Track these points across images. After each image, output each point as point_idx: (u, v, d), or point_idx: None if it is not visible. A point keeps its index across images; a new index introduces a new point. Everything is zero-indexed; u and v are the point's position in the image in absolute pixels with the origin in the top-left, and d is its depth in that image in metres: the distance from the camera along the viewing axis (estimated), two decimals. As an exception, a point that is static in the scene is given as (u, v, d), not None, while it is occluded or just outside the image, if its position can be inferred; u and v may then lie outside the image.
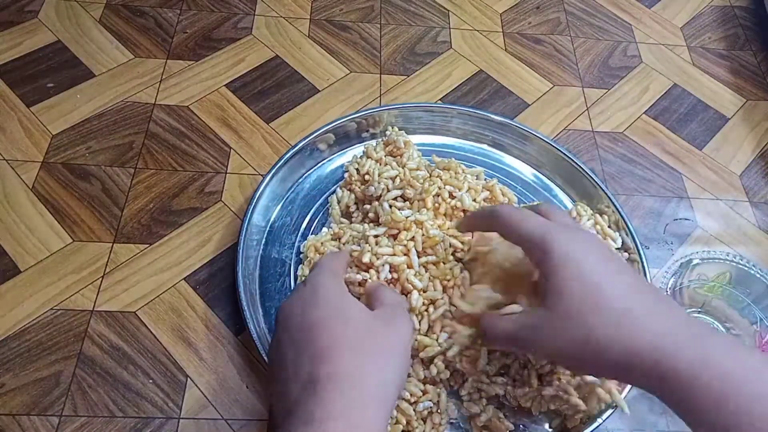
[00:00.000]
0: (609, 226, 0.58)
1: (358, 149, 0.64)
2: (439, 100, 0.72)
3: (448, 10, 0.83)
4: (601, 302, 0.31)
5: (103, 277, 0.56)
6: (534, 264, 0.35)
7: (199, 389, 0.51)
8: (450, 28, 0.80)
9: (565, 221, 0.37)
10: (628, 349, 0.30)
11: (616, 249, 0.56)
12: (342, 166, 0.63)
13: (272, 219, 0.59)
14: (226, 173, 0.63)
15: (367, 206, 0.56)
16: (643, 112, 0.74)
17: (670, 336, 0.30)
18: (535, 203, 0.42)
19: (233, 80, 0.71)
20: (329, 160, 0.64)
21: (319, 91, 0.71)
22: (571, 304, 0.32)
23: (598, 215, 0.58)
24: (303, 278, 0.55)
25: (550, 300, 0.32)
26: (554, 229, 0.34)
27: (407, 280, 0.47)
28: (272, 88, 0.71)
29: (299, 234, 0.58)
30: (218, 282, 0.56)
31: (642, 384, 0.31)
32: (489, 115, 0.66)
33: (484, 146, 0.67)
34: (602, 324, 0.31)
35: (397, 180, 0.56)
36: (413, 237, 0.49)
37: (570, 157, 0.63)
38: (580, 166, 0.62)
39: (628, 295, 0.32)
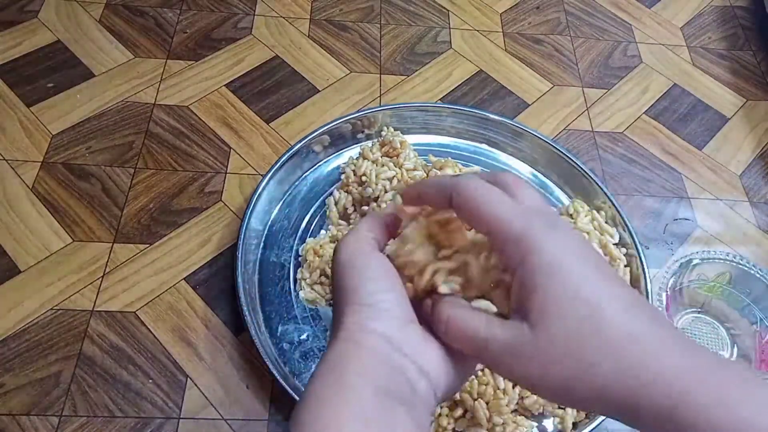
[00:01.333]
0: (606, 222, 0.58)
1: (353, 150, 0.64)
2: (439, 100, 0.72)
3: (448, 10, 0.83)
4: (602, 328, 0.25)
5: (103, 277, 0.56)
6: (504, 263, 0.28)
7: (199, 389, 0.51)
8: (450, 28, 0.80)
9: (540, 207, 0.29)
10: (635, 389, 0.25)
11: (614, 245, 0.56)
12: (338, 167, 0.63)
13: (270, 222, 0.59)
14: (226, 173, 0.64)
15: (365, 207, 0.56)
16: (643, 112, 0.74)
17: (686, 374, 0.25)
18: (495, 172, 0.31)
19: (233, 80, 0.71)
20: (325, 162, 0.64)
21: (319, 91, 0.71)
22: (563, 330, 0.25)
23: (595, 211, 0.58)
24: (303, 281, 0.55)
25: (535, 319, 0.26)
26: (536, 222, 0.26)
27: None
28: (272, 88, 0.71)
29: (297, 237, 0.58)
30: (218, 282, 0.56)
31: (645, 426, 0.25)
32: (483, 113, 0.66)
33: (480, 145, 0.67)
34: (604, 357, 0.25)
35: (395, 181, 0.56)
36: None
37: (565, 154, 0.63)
38: (576, 163, 0.62)
39: (630, 317, 0.26)
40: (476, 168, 0.59)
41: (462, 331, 0.28)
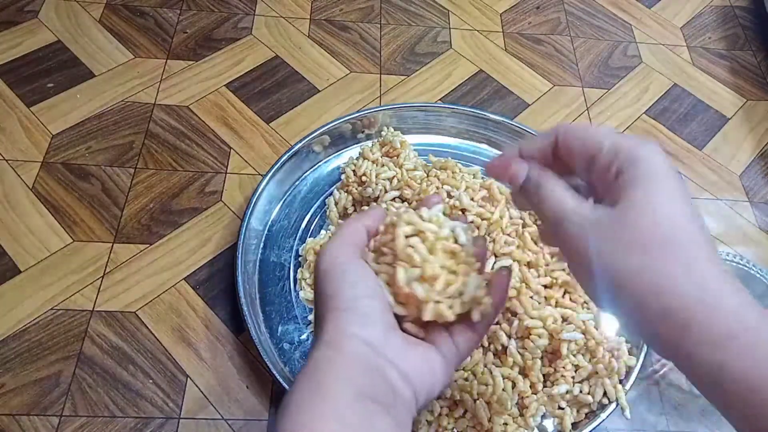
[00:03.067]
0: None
1: (353, 150, 0.64)
2: (439, 100, 0.72)
3: (448, 10, 0.83)
4: (680, 243, 0.25)
5: (103, 277, 0.56)
6: (612, 166, 0.28)
7: (199, 389, 0.51)
8: (450, 28, 0.80)
9: None
10: (692, 306, 0.25)
11: None
12: (338, 167, 0.63)
13: (270, 222, 0.59)
14: (226, 173, 0.64)
15: (365, 207, 0.56)
16: (643, 112, 0.74)
17: (746, 317, 0.25)
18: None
19: (233, 80, 0.71)
20: (325, 162, 0.64)
21: (319, 91, 0.71)
22: (650, 226, 0.26)
23: None
24: (303, 281, 0.55)
25: (626, 207, 0.26)
26: (647, 143, 0.28)
27: None
28: (272, 88, 0.71)
29: (297, 237, 0.58)
30: (218, 282, 0.56)
31: (678, 349, 0.26)
32: (483, 113, 0.66)
33: (480, 145, 0.67)
34: (674, 264, 0.25)
35: (395, 181, 0.56)
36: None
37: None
38: None
39: (711, 248, 0.26)
40: (476, 168, 0.59)
41: (552, 197, 0.29)
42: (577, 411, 0.49)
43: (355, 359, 0.28)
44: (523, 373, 0.48)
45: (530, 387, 0.48)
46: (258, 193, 0.57)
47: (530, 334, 0.48)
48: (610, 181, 0.28)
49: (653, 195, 0.26)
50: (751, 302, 0.25)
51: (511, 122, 0.66)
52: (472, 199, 0.53)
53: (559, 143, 0.30)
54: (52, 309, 0.54)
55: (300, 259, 0.57)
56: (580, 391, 0.48)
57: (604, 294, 0.28)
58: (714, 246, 0.27)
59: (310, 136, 0.61)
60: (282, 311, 0.54)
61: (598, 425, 0.48)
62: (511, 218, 0.54)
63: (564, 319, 0.49)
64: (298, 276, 0.55)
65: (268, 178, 0.58)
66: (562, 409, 0.49)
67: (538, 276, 0.51)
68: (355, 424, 0.26)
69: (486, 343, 0.49)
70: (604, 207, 0.28)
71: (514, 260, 0.51)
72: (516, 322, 0.48)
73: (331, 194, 0.61)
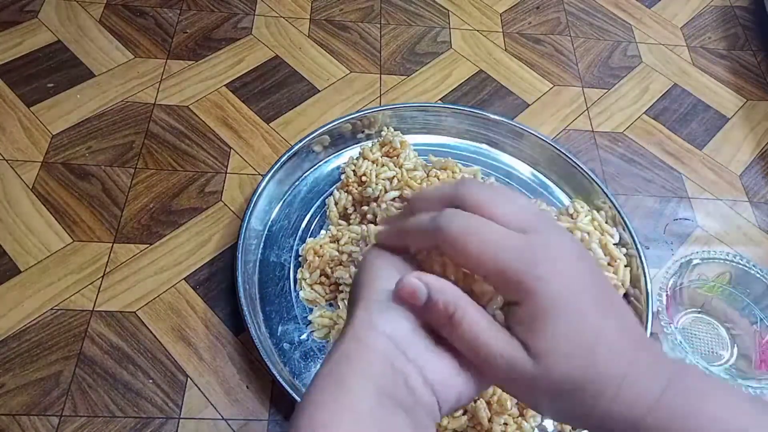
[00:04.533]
0: (606, 222, 0.58)
1: (354, 150, 0.64)
2: (439, 100, 0.72)
3: (448, 10, 0.83)
4: (597, 370, 0.26)
5: (103, 277, 0.56)
6: (504, 296, 0.28)
7: (199, 389, 0.51)
8: (450, 28, 0.80)
9: (528, 220, 0.28)
10: (627, 420, 0.26)
11: (614, 245, 0.56)
12: (338, 167, 0.63)
13: (270, 222, 0.59)
14: (226, 173, 0.64)
15: (365, 207, 0.56)
16: (643, 112, 0.74)
17: (665, 402, 0.26)
18: (464, 185, 0.29)
19: (233, 80, 0.71)
20: (326, 162, 0.64)
21: (319, 91, 0.71)
22: (562, 370, 0.26)
23: (595, 212, 0.58)
24: (303, 281, 0.55)
25: (536, 355, 0.26)
26: (533, 257, 0.26)
27: None
28: (272, 88, 0.71)
29: (297, 237, 0.59)
30: (218, 282, 0.56)
31: None
32: (483, 113, 0.66)
33: (480, 145, 0.67)
34: (598, 396, 0.26)
35: (395, 181, 0.56)
36: None
37: (565, 154, 0.63)
38: (576, 163, 0.62)
39: (622, 353, 0.27)
40: (476, 168, 0.59)
41: (475, 335, 0.27)
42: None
43: (377, 354, 0.27)
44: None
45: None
46: (258, 193, 0.57)
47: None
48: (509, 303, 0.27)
49: (554, 342, 0.26)
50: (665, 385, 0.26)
51: (511, 122, 0.66)
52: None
53: (445, 254, 0.29)
54: (52, 309, 0.54)
55: (300, 259, 0.57)
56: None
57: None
58: (626, 326, 0.27)
59: (310, 136, 0.61)
60: (282, 311, 0.54)
61: (598, 425, 0.48)
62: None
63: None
64: (298, 276, 0.55)
65: (268, 178, 0.58)
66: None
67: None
68: (374, 422, 0.25)
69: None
70: (521, 355, 0.27)
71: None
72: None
73: (331, 194, 0.61)
